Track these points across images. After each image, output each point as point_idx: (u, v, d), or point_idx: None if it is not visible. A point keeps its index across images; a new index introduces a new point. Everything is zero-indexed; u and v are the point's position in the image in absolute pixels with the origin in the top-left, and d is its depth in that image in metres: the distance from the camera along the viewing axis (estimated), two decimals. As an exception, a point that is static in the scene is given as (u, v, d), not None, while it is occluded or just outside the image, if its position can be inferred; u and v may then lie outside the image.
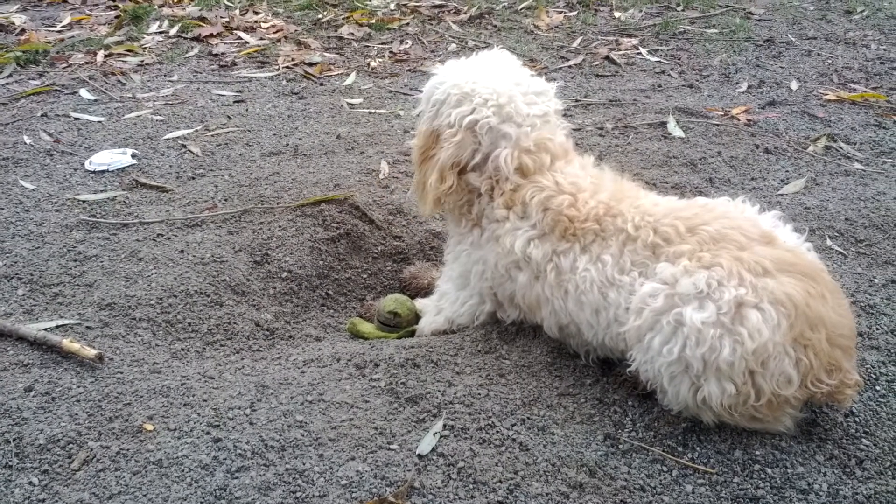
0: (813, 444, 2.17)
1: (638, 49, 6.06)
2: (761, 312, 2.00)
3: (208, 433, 2.17)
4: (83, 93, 4.97)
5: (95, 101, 4.87)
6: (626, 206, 2.37)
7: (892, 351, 2.55)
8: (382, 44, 6.24)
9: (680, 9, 7.11)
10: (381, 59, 5.87)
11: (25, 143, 4.16)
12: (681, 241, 2.20)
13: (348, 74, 5.51)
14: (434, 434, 2.17)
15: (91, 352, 2.47)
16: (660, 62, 5.80)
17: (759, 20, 6.78)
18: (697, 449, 2.16)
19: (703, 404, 2.09)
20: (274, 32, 6.36)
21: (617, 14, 6.97)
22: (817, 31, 6.44)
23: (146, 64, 5.63)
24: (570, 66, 5.71)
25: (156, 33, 6.29)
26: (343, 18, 6.75)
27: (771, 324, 1.99)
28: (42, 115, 4.56)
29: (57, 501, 1.98)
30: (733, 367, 2.00)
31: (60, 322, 2.70)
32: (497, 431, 2.20)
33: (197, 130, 4.44)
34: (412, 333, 2.91)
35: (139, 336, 2.71)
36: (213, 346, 2.77)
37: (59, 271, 2.99)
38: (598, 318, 2.34)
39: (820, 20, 6.76)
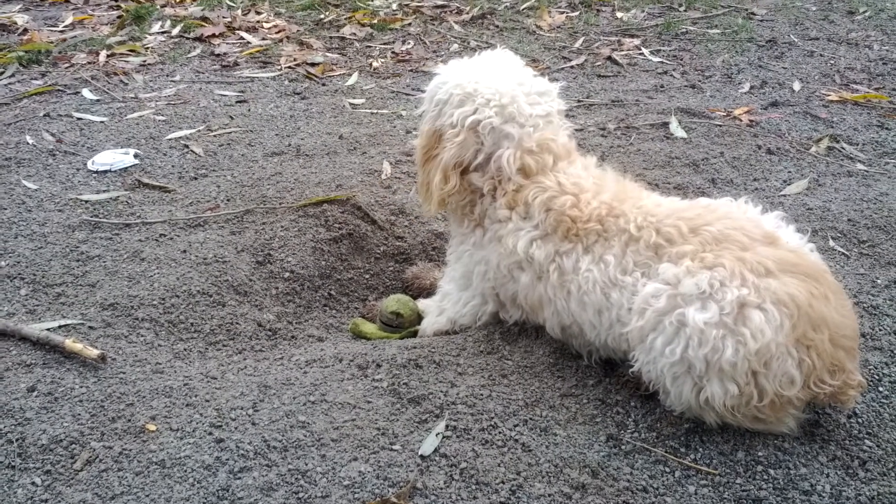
0: (816, 446, 2.17)
1: (640, 49, 6.06)
2: (764, 313, 2.00)
3: (211, 433, 2.17)
4: (86, 93, 4.97)
5: (98, 101, 4.88)
6: (629, 207, 2.37)
7: (894, 352, 2.55)
8: (384, 44, 6.24)
9: (682, 9, 7.11)
10: (383, 60, 5.87)
11: (28, 144, 4.17)
12: (683, 241, 2.20)
13: (350, 75, 5.51)
14: (436, 435, 2.17)
15: (94, 352, 2.47)
16: (662, 62, 5.80)
17: (761, 21, 6.77)
18: (700, 450, 2.16)
19: (705, 405, 2.09)
20: (276, 32, 6.36)
21: (619, 14, 6.97)
22: (820, 32, 6.43)
23: (148, 64, 5.64)
24: (572, 67, 5.71)
25: (158, 33, 6.29)
26: (345, 18, 6.75)
27: (774, 324, 1.99)
28: (44, 115, 4.56)
29: (59, 502, 1.98)
30: (736, 367, 2.00)
31: (63, 322, 2.70)
32: (499, 432, 2.20)
33: (199, 130, 4.44)
34: (414, 334, 2.91)
35: (142, 336, 2.71)
36: (215, 347, 2.77)
37: (61, 271, 2.99)
38: (600, 318, 2.34)
39: (822, 21, 6.75)
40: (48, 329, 2.62)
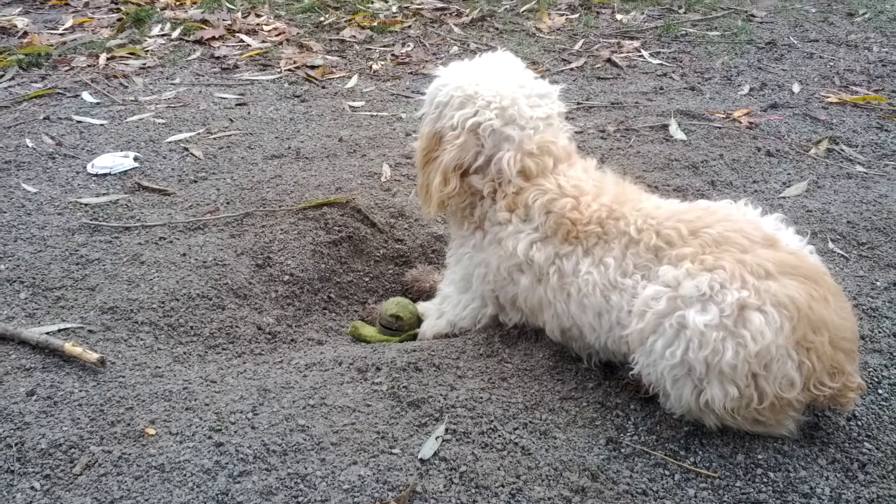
0: (815, 448, 2.17)
1: (640, 51, 6.06)
2: (764, 315, 2.00)
3: (210, 437, 2.17)
4: (85, 96, 4.97)
5: (98, 104, 4.88)
6: (629, 209, 2.37)
7: (894, 354, 2.55)
8: (384, 46, 6.25)
9: (682, 11, 7.11)
10: (382, 62, 5.88)
11: (28, 147, 4.17)
12: (683, 243, 2.20)
13: (350, 77, 5.51)
14: (436, 438, 2.17)
15: (93, 356, 2.47)
16: (661, 65, 5.80)
17: (760, 23, 6.78)
18: (700, 453, 2.15)
19: (705, 407, 2.09)
20: (276, 35, 6.36)
21: (619, 16, 6.98)
22: (819, 34, 6.43)
23: (148, 67, 5.64)
24: (571, 69, 5.71)
25: (158, 36, 6.30)
26: (345, 21, 6.76)
27: (774, 326, 1.99)
28: (44, 119, 4.56)
29: (59, 505, 1.98)
30: (736, 369, 2.00)
31: (62, 326, 2.70)
32: (499, 435, 2.20)
33: (199, 133, 4.44)
34: (414, 337, 2.91)
35: (141, 340, 2.71)
36: (214, 350, 2.77)
37: (61, 275, 2.99)
38: (600, 321, 2.34)
39: (822, 22, 6.76)
40: (47, 333, 2.61)
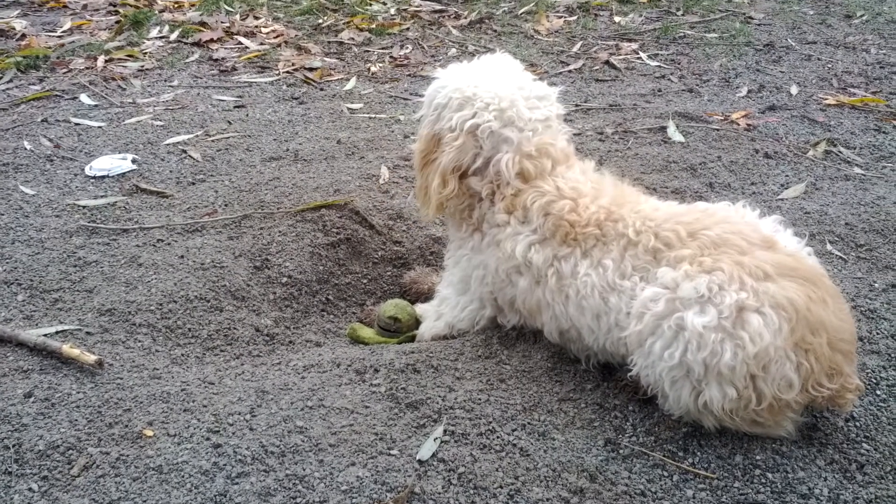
0: (814, 449, 2.17)
1: (638, 53, 6.07)
2: (762, 316, 2.00)
3: (208, 439, 2.17)
4: (83, 98, 4.97)
5: (96, 106, 4.88)
6: (627, 211, 2.37)
7: (892, 355, 2.55)
8: (383, 49, 6.25)
9: (680, 13, 7.12)
10: (381, 64, 5.88)
11: (26, 149, 4.16)
12: (682, 245, 2.20)
13: (348, 79, 5.51)
14: (434, 439, 2.16)
15: (91, 357, 2.47)
16: (660, 67, 5.81)
17: (758, 25, 6.79)
18: (698, 454, 2.15)
19: (704, 409, 2.09)
20: (274, 37, 6.36)
21: (617, 19, 6.98)
22: (817, 36, 6.45)
23: (146, 69, 5.64)
24: (570, 71, 5.72)
25: (156, 38, 6.29)
26: (343, 23, 6.76)
27: (772, 328, 1.99)
28: (42, 121, 4.56)
29: (57, 507, 1.98)
30: (734, 371, 2.00)
31: (60, 328, 2.70)
32: (497, 437, 2.20)
33: (197, 135, 4.44)
34: (412, 339, 2.91)
35: (139, 342, 2.71)
36: (213, 352, 2.77)
37: (58, 277, 2.99)
38: (598, 322, 2.34)
39: (819, 25, 6.77)
40: (45, 335, 2.61)
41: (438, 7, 7.24)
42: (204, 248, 3.20)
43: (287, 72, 5.62)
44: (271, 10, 7.08)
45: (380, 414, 2.29)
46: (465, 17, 6.93)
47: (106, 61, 5.69)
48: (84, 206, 3.56)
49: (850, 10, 7.12)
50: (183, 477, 2.05)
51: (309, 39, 6.38)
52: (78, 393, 2.35)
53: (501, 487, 2.03)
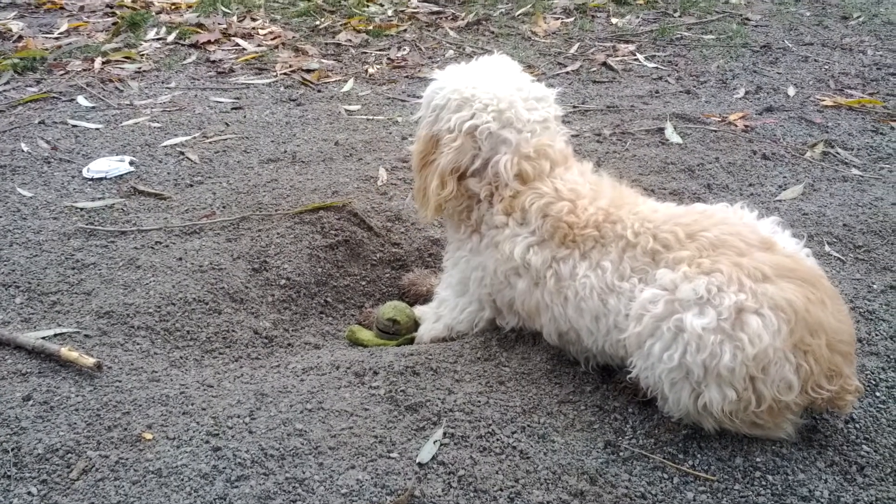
0: (813, 451, 2.17)
1: (635, 55, 6.07)
2: (761, 318, 2.00)
3: (207, 442, 2.17)
4: (81, 100, 4.96)
5: (93, 108, 4.87)
6: (626, 213, 2.37)
7: (891, 357, 2.55)
8: (380, 50, 6.25)
9: (677, 15, 7.13)
10: (378, 66, 5.88)
11: (23, 151, 4.16)
12: (680, 247, 2.20)
13: (346, 81, 5.51)
14: (434, 442, 2.16)
15: (89, 360, 2.46)
16: (657, 68, 5.81)
17: (755, 26, 6.80)
18: (698, 456, 2.15)
19: (703, 411, 2.09)
20: (272, 39, 6.36)
21: (614, 20, 6.99)
22: (814, 37, 6.46)
23: (144, 71, 5.63)
24: (567, 73, 5.72)
25: (153, 40, 6.28)
26: (341, 25, 6.75)
27: (771, 329, 1.99)
28: (39, 123, 4.55)
29: (55, 511, 1.97)
30: (734, 372, 2.00)
31: (58, 330, 2.69)
32: (497, 439, 2.20)
33: (195, 137, 4.43)
34: (411, 341, 2.91)
35: (138, 344, 2.70)
36: (211, 355, 2.76)
37: (56, 279, 2.98)
38: (597, 324, 2.33)
39: (816, 26, 6.78)
40: (43, 338, 2.61)
41: (436, 8, 7.24)
42: (202, 251, 3.20)
43: (284, 73, 5.62)
44: (268, 12, 7.07)
45: (379, 416, 2.29)
46: (463, 19, 6.93)
47: (103, 63, 5.68)
48: (82, 209, 3.55)
49: (847, 12, 7.13)
50: (182, 480, 2.04)
51: (306, 41, 6.38)
52: (77, 396, 2.35)
53: (501, 490, 2.02)
